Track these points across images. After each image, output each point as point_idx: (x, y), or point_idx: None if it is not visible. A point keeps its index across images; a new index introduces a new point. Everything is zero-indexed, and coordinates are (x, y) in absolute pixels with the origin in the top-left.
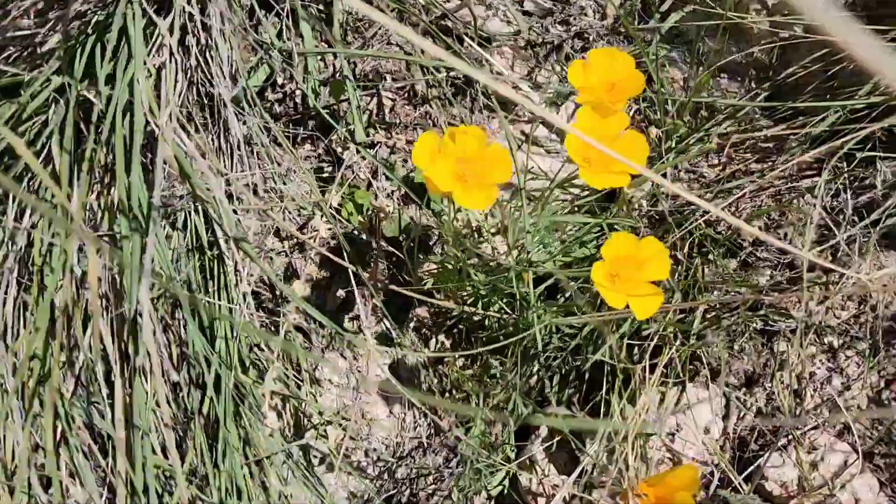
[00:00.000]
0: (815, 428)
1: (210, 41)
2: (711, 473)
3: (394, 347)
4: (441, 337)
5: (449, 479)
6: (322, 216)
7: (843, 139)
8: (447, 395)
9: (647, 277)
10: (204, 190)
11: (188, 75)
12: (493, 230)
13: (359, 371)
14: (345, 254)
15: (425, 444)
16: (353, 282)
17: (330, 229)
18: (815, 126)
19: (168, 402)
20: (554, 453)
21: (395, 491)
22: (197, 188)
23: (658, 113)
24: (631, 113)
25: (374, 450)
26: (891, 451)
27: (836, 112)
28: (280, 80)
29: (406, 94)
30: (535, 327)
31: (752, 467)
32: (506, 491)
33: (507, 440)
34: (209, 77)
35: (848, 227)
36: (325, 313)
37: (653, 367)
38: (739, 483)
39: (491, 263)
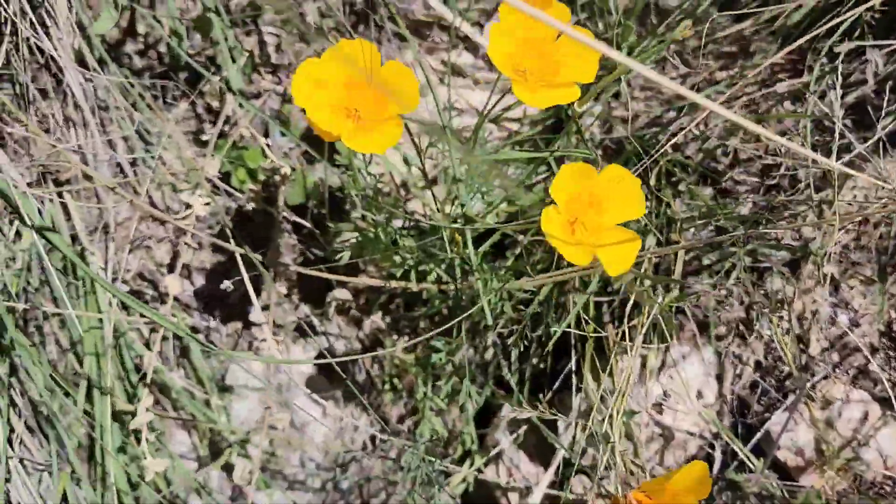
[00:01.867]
0: (825, 378)
1: None
2: (711, 446)
3: (317, 337)
4: (375, 317)
5: (401, 483)
6: (198, 191)
7: (823, 30)
8: (388, 384)
9: (614, 219)
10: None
11: (11, 29)
12: (420, 183)
13: (279, 371)
14: (229, 234)
15: (369, 445)
16: (243, 272)
17: (208, 204)
18: (788, 17)
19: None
20: (522, 439)
21: (343, 502)
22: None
23: (599, 19)
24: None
25: (311, 459)
26: None
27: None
28: (141, 29)
29: (295, 29)
30: (482, 299)
31: (758, 434)
32: (471, 489)
33: (465, 429)
34: (41, 28)
35: (840, 132)
36: (226, 305)
37: (629, 328)
38: (748, 455)
39: (421, 224)
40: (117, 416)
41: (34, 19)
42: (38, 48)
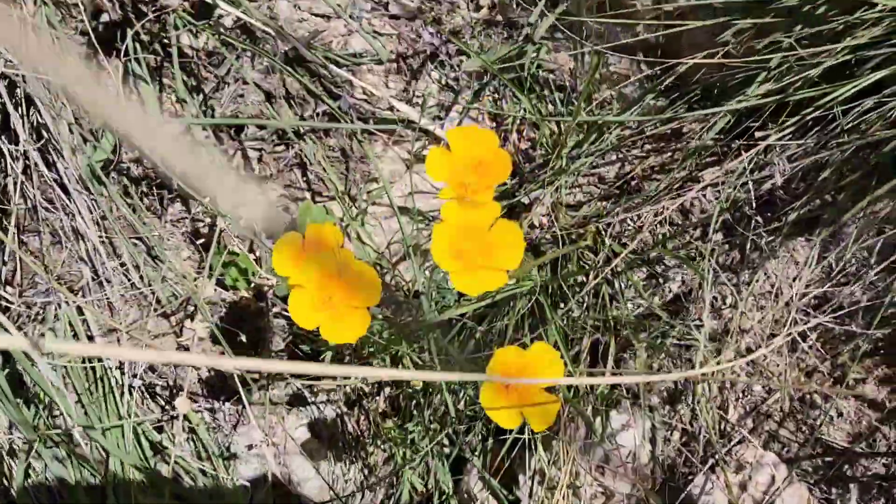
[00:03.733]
0: (740, 442)
1: (39, 118)
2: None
3: (308, 407)
4: (357, 382)
5: None
6: (195, 311)
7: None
8: (372, 441)
9: (541, 385)
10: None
11: (22, 160)
12: (394, 259)
13: (273, 442)
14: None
15: (357, 492)
16: (241, 392)
17: (208, 328)
18: (711, 127)
19: None
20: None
21: None
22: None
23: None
24: (519, 120)
25: None
26: (816, 452)
27: (730, 115)
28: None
29: (274, 134)
30: (445, 395)
31: (681, 496)
32: None
33: (441, 479)
34: (48, 156)
35: (752, 224)
36: (227, 389)
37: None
38: None
39: (399, 305)
40: None
41: (40, 147)
42: (47, 167)
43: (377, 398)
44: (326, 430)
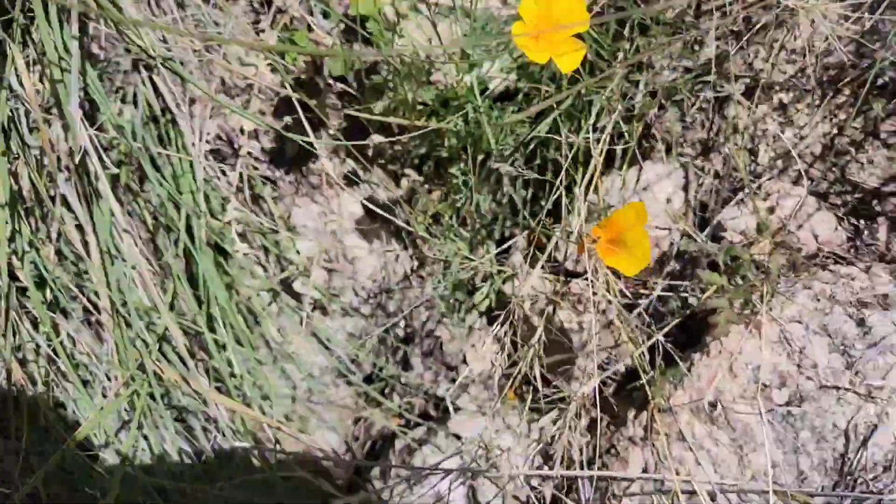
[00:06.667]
0: (770, 179)
1: None
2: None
3: (361, 185)
4: (409, 171)
5: (438, 302)
6: (265, 61)
7: None
8: (423, 226)
9: (568, 33)
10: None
11: None
12: (441, 58)
13: (332, 213)
14: (292, 97)
15: (410, 274)
16: (301, 116)
17: (270, 65)
18: None
19: (147, 257)
20: (534, 261)
21: (390, 323)
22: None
23: None
24: None
25: (363, 287)
26: (846, 189)
27: None
28: None
29: None
30: (485, 128)
31: (713, 223)
32: (493, 304)
33: (486, 253)
34: None
35: None
36: (287, 160)
37: (609, 154)
38: (699, 236)
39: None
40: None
41: None
42: None
43: (430, 195)
44: (380, 209)
